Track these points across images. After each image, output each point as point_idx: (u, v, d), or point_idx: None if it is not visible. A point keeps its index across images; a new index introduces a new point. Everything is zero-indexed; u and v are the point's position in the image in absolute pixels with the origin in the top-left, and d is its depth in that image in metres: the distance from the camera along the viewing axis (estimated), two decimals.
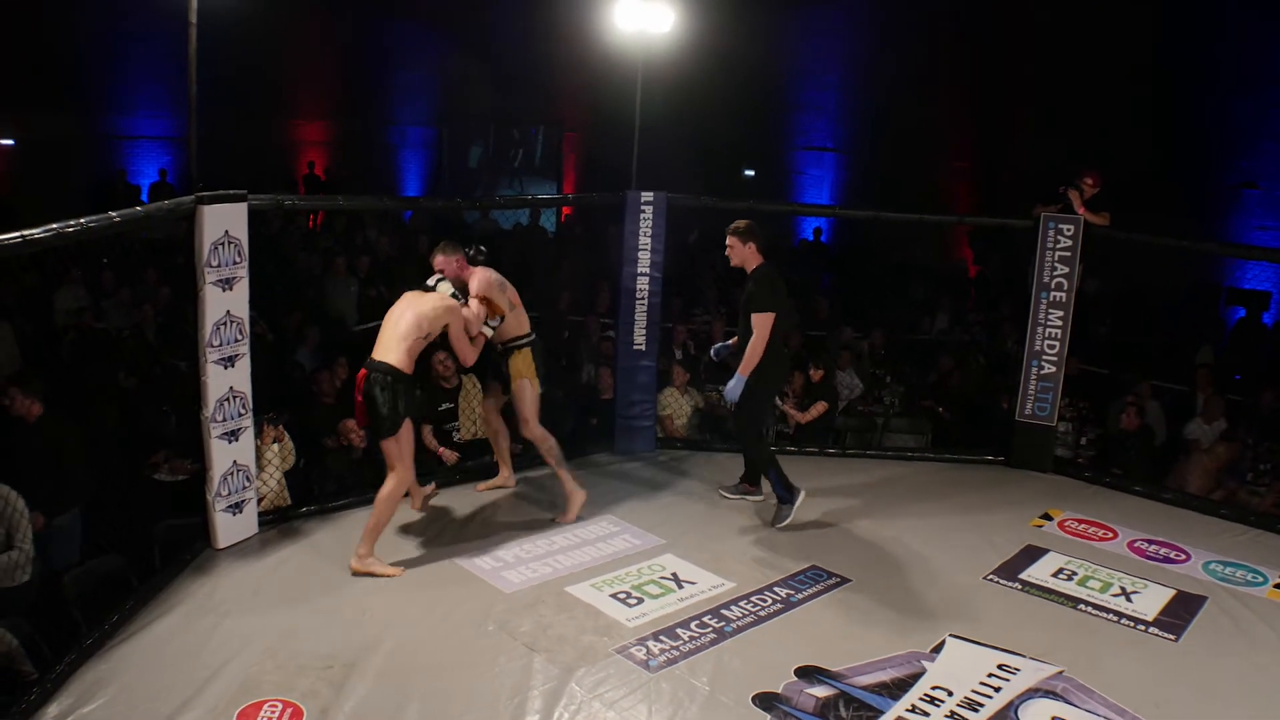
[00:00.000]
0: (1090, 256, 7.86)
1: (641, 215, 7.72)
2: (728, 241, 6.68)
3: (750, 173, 16.53)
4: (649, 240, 7.75)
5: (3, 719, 4.22)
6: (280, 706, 4.45)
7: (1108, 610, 5.78)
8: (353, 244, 13.50)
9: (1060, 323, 7.76)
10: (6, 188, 16.86)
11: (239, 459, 5.99)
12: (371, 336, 6.02)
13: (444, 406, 7.85)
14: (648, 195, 7.72)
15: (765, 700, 4.67)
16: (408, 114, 19.25)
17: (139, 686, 4.51)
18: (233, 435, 5.95)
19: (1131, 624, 5.64)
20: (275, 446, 6.73)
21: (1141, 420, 8.36)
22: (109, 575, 5.77)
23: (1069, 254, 7.67)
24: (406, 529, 6.37)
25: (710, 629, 5.29)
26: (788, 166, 16.58)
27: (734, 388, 6.42)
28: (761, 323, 6.41)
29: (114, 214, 5.21)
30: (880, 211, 8.79)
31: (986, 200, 13.54)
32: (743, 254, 6.65)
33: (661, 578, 5.85)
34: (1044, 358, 7.83)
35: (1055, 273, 7.72)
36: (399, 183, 19.27)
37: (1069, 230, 7.67)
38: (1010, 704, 4.76)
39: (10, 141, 17.20)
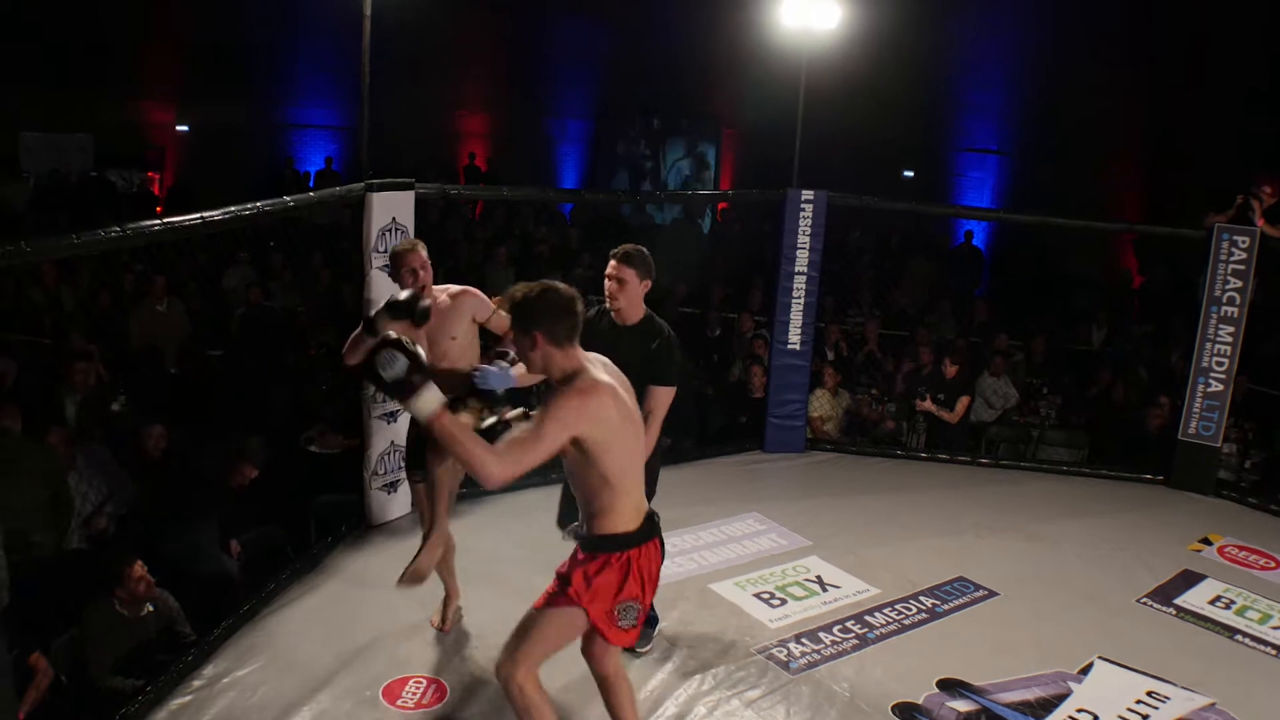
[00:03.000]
0: (1264, 270, 7.58)
1: (801, 214, 7.71)
2: (618, 273, 4.62)
3: (910, 174, 16.30)
4: (808, 239, 7.74)
5: (162, 677, 4.44)
6: (425, 683, 4.61)
7: (1266, 643, 5.59)
8: (510, 234, 13.75)
9: (1230, 339, 7.50)
10: (183, 172, 17.65)
11: (396, 439, 6.16)
12: None
13: None
14: (808, 194, 7.71)
15: (905, 710, 4.65)
16: (568, 107, 19.48)
17: (291, 654, 4.70)
18: (391, 416, 6.14)
19: None
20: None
21: None
22: (270, 545, 6.04)
23: (1243, 267, 7.41)
24: (548, 517, 6.47)
25: (853, 634, 5.29)
26: (948, 168, 16.32)
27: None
28: (664, 401, 4.64)
29: (288, 198, 5.45)
30: (1048, 217, 8.59)
31: (1155, 209, 13.10)
32: (636, 295, 4.67)
33: (806, 580, 5.86)
34: (1212, 374, 7.57)
35: (1228, 286, 7.46)
36: (557, 175, 19.51)
37: (1244, 242, 7.41)
38: None
39: (185, 128, 17.96)
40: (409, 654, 4.80)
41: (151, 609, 4.96)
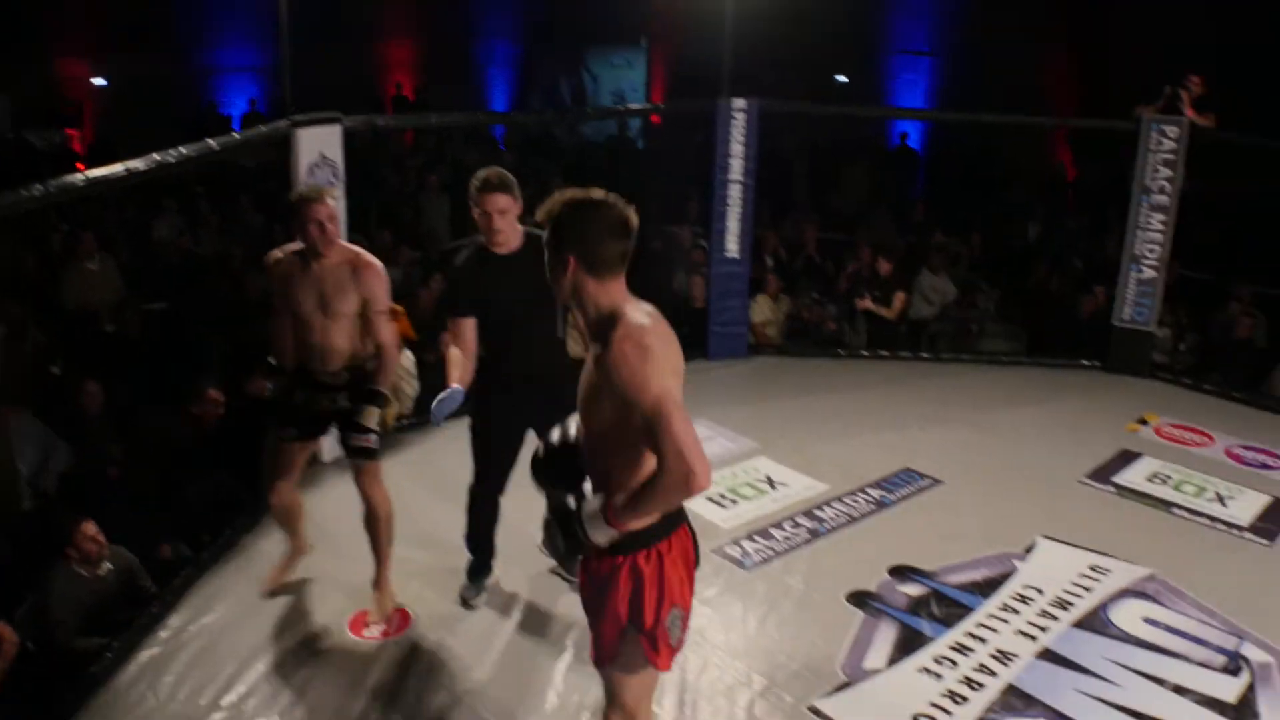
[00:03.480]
0: (1195, 159, 7.70)
1: (734, 123, 7.71)
2: (493, 203, 4.16)
3: (843, 79, 16.27)
4: (741, 148, 7.75)
5: (127, 632, 4.42)
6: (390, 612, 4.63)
7: (1202, 515, 5.78)
8: (442, 161, 13.62)
9: (1161, 227, 7.63)
10: (103, 127, 17.19)
11: None
12: None
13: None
14: (740, 103, 7.71)
15: (859, 598, 4.78)
16: (494, 29, 19.21)
17: (254, 598, 4.69)
18: None
19: (1225, 528, 5.64)
20: (405, 357, 6.78)
21: (1252, 327, 8.21)
22: (223, 494, 6.00)
23: (1172, 156, 7.52)
24: None
25: (804, 530, 5.40)
26: (881, 71, 16.31)
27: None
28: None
29: (212, 141, 5.36)
30: (980, 115, 8.66)
31: (1088, 104, 13.19)
32: (513, 221, 4.25)
33: (755, 480, 5.96)
34: (1144, 262, 7.72)
35: (1158, 175, 7.57)
36: (487, 101, 19.28)
37: (1173, 132, 7.51)
38: (1101, 604, 4.81)
39: (104, 81, 17.50)
40: (370, 585, 4.77)
41: (110, 566, 4.91)
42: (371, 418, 4.37)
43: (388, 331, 4.38)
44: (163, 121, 15.50)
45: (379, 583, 4.65)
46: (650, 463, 2.61)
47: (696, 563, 2.96)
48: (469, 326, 4.34)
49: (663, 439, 2.51)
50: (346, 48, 16.35)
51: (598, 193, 2.78)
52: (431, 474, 6.04)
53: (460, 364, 4.30)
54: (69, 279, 8.46)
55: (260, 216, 10.94)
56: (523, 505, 4.61)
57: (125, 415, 6.35)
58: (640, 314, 2.70)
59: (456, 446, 6.29)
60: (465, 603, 4.76)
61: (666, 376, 2.57)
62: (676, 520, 2.84)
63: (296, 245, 4.29)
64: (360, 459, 4.48)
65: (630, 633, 2.84)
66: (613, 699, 2.97)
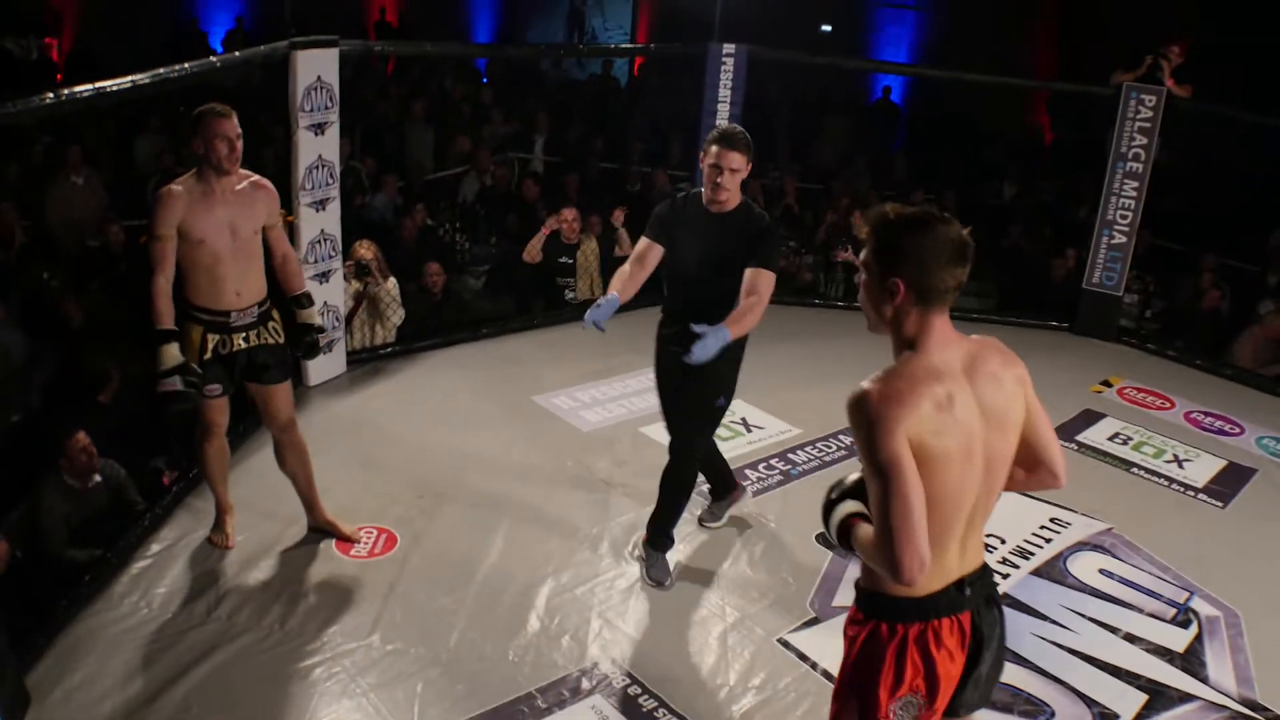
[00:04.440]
0: (1170, 128, 7.84)
1: (723, 68, 7.77)
2: (728, 159, 4.15)
3: (828, 28, 16.28)
4: (729, 93, 7.82)
5: (117, 544, 4.51)
6: (375, 533, 4.77)
7: (1159, 475, 6.00)
8: (428, 91, 13.55)
9: (1135, 193, 7.78)
10: (83, 36, 16.89)
11: (329, 300, 6.21)
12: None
13: (563, 259, 7.94)
14: (729, 48, 7.76)
15: (827, 539, 4.93)
16: None
17: (241, 514, 4.76)
18: (324, 277, 6.17)
19: (1181, 489, 5.87)
20: (391, 283, 6.86)
21: (1220, 298, 8.40)
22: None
23: (1149, 125, 7.65)
24: (487, 371, 6.65)
25: (778, 471, 5.57)
26: (866, 23, 16.33)
27: (711, 344, 3.93)
28: (770, 285, 4.27)
29: (214, 59, 5.38)
30: (963, 73, 8.76)
31: (1068, 67, 13.30)
32: (738, 183, 4.26)
33: (731, 422, 6.10)
34: (1115, 227, 7.88)
35: (1133, 143, 7.71)
36: (470, 30, 19.12)
37: (1151, 100, 7.63)
38: (1060, 554, 5.03)
39: None
40: (357, 506, 4.92)
41: (99, 479, 5.00)
42: (315, 316, 4.51)
43: (286, 242, 4.47)
44: (141, 35, 15.31)
45: (324, 515, 4.74)
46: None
47: (957, 673, 2.57)
48: (652, 252, 4.35)
49: (874, 513, 2.34)
50: None
51: (931, 211, 2.44)
52: (411, 401, 6.17)
53: (625, 278, 4.32)
54: (54, 193, 8.43)
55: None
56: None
57: (111, 331, 6.39)
58: (918, 367, 2.40)
59: (439, 375, 6.49)
60: (708, 526, 4.99)
61: (895, 444, 2.28)
62: (951, 608, 2.51)
63: (189, 175, 4.14)
64: (310, 356, 4.57)
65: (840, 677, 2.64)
66: None
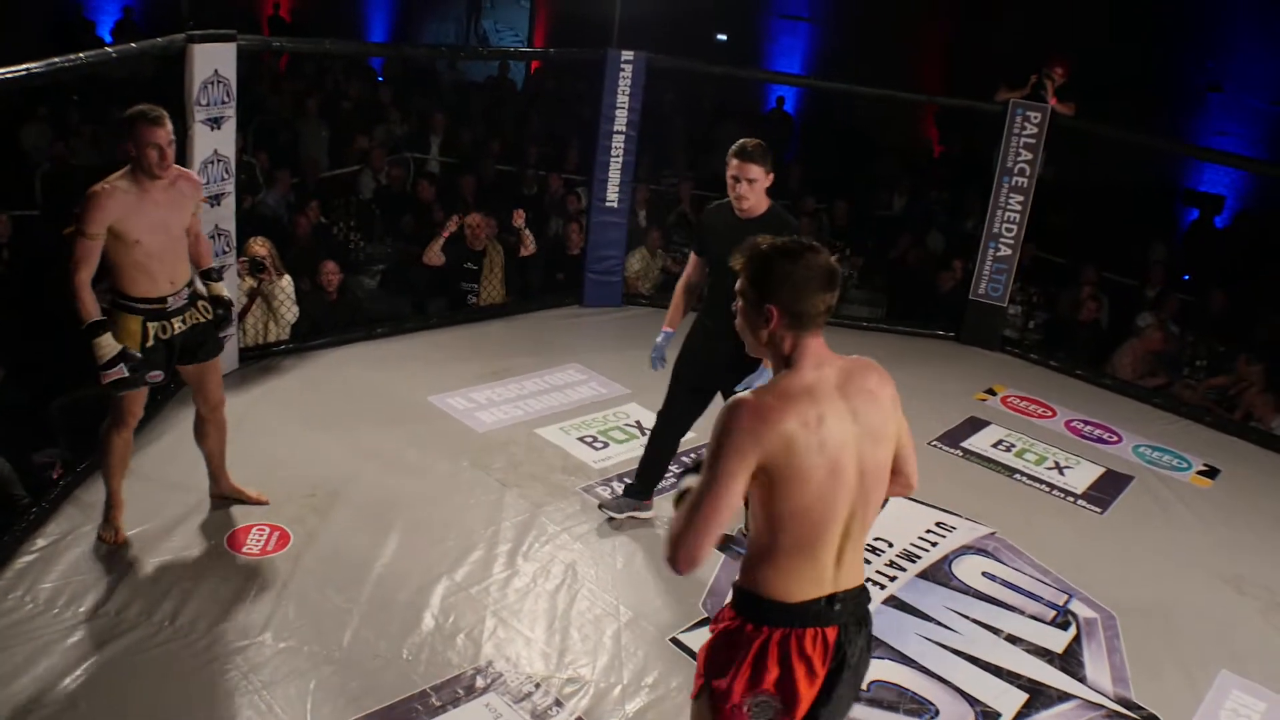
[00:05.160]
0: (1053, 145, 8.08)
1: (621, 74, 7.81)
2: (748, 173, 4.53)
3: (723, 37, 16.42)
4: (626, 99, 7.86)
5: (4, 537, 4.39)
6: (268, 531, 4.72)
7: (1041, 481, 6.17)
8: (323, 89, 13.38)
9: (1020, 207, 7.99)
10: None
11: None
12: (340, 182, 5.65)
13: (467, 265, 7.91)
14: (628, 55, 7.80)
15: (721, 542, 5.00)
16: None
17: (131, 510, 4.67)
18: (218, 273, 6.05)
19: (1062, 495, 6.04)
20: (285, 281, 6.77)
21: (1099, 311, 8.66)
22: (93, 407, 5.91)
23: (1034, 141, 7.87)
24: (382, 371, 6.59)
25: (670, 474, 5.58)
26: (760, 34, 16.51)
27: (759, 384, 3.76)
28: None
29: (110, 50, 5.26)
30: (855, 85, 8.92)
31: (955, 81, 13.61)
32: (763, 191, 4.62)
33: (626, 425, 6.15)
34: (1001, 240, 8.08)
35: (1019, 158, 7.92)
36: (365, 28, 18.92)
37: (1036, 118, 7.85)
38: (945, 558, 5.15)
39: None
40: (248, 504, 4.88)
41: None
42: (224, 289, 4.64)
43: (199, 222, 4.57)
44: (23, 20, 14.83)
45: (230, 484, 4.84)
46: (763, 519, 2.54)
47: (814, 688, 2.62)
48: (697, 267, 4.88)
49: (689, 504, 2.47)
50: None
51: (802, 240, 2.59)
52: (305, 399, 6.09)
53: (676, 308, 4.94)
54: None
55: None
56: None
57: None
58: (791, 385, 2.52)
59: (334, 374, 6.42)
60: (606, 512, 5.11)
61: (736, 461, 2.42)
62: (818, 620, 2.58)
63: (121, 175, 4.17)
64: (223, 329, 4.58)
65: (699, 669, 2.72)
66: None
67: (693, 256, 4.94)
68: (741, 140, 4.63)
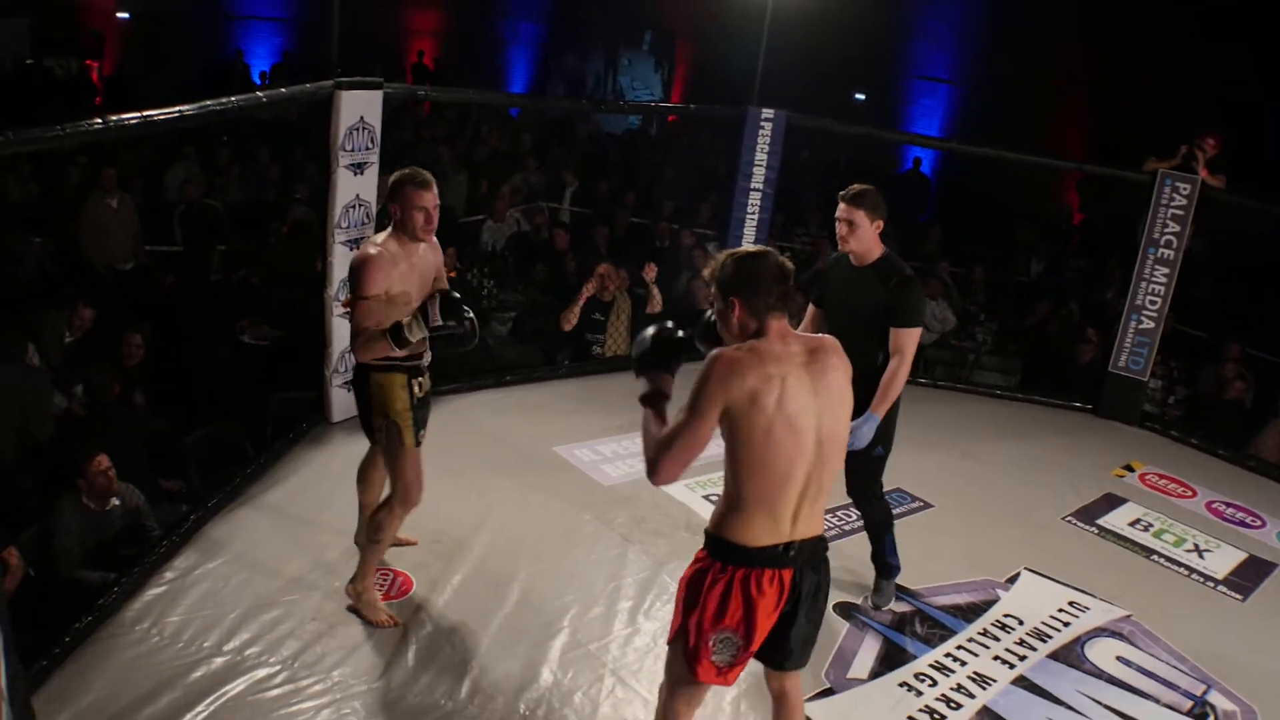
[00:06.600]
0: (1201, 217, 7.85)
1: (760, 131, 7.82)
2: (850, 216, 4.58)
3: (861, 97, 16.39)
4: (765, 156, 7.87)
5: (136, 568, 4.49)
6: (392, 575, 4.75)
7: (1179, 564, 5.93)
8: (463, 136, 13.66)
9: (1165, 279, 7.77)
10: (123, 61, 17.05)
11: None
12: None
13: (595, 316, 7.90)
14: (768, 112, 7.82)
15: (845, 609, 4.91)
16: (520, 8, 19.25)
17: (259, 548, 4.77)
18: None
19: (1201, 580, 5.79)
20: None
21: (1246, 391, 8.36)
22: (226, 443, 6.07)
23: (1183, 212, 7.66)
24: (510, 419, 6.64)
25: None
26: (899, 94, 16.45)
27: (866, 431, 4.49)
28: (911, 341, 4.57)
29: (261, 94, 5.43)
30: (1002, 151, 8.78)
31: (1096, 149, 13.36)
32: (869, 236, 4.62)
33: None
34: (1144, 312, 7.86)
35: (1166, 230, 7.71)
36: (505, 79, 19.31)
37: (1185, 189, 7.65)
38: (1078, 639, 4.96)
39: (126, 15, 17.34)
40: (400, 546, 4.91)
41: (117, 503, 5.00)
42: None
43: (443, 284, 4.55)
44: (181, 62, 15.43)
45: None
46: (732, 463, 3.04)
47: (769, 621, 3.11)
48: (815, 318, 4.89)
49: (670, 433, 3.04)
50: (372, 8, 16.33)
51: (758, 247, 3.20)
52: (434, 444, 6.11)
53: None
54: (89, 213, 8.47)
55: (276, 169, 10.97)
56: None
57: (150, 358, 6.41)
58: (761, 347, 2.99)
59: (463, 419, 6.48)
60: (876, 608, 5.02)
61: (707, 403, 2.95)
62: (774, 562, 3.05)
63: (387, 237, 4.24)
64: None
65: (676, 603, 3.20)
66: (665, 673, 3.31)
67: (811, 308, 4.93)
68: (852, 184, 4.67)
